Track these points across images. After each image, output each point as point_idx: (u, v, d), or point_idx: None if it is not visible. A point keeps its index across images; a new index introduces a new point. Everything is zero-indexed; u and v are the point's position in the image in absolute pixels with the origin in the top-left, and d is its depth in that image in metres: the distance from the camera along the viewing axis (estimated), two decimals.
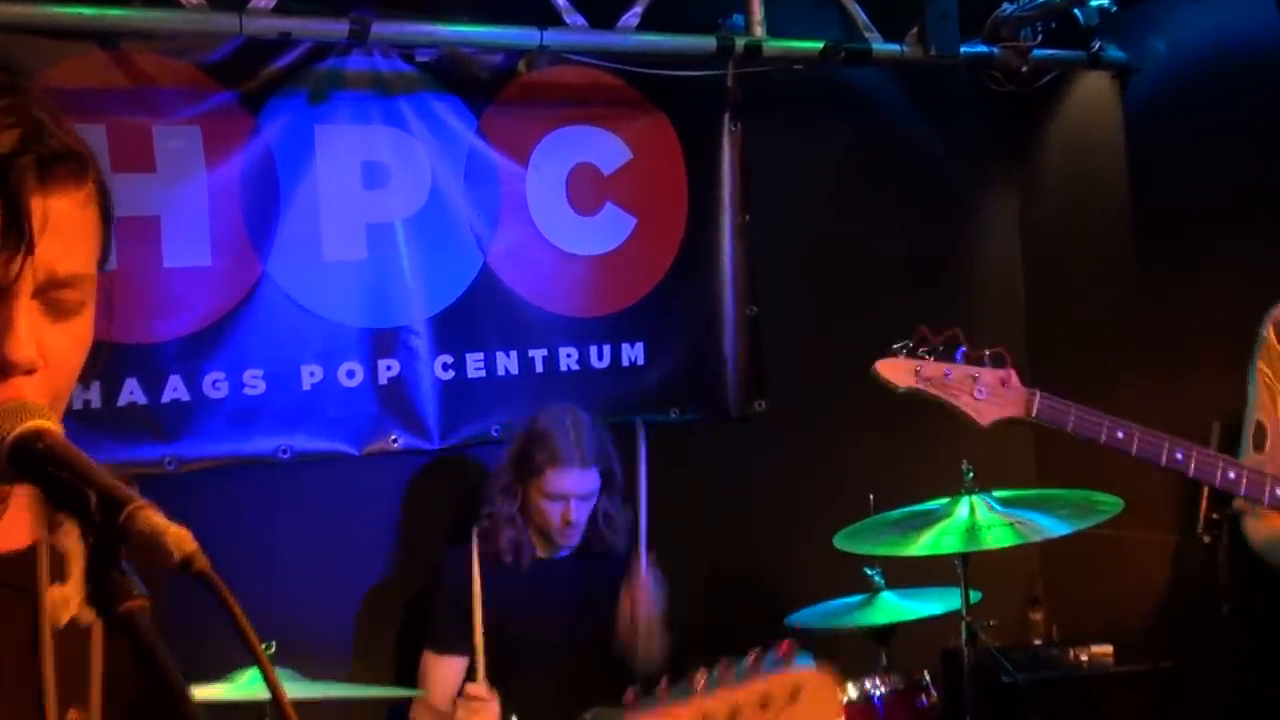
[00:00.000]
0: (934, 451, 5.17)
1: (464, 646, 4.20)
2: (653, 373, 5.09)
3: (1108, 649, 4.92)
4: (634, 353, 5.05)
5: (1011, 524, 4.02)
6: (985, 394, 3.24)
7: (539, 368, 4.92)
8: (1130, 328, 5.31)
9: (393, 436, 4.72)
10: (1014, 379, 3.28)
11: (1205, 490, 4.66)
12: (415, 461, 4.79)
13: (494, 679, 4.15)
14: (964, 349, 3.30)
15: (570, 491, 4.27)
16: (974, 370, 3.26)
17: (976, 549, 4.00)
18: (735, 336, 5.20)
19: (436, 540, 4.66)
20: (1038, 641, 5.27)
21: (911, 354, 3.29)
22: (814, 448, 5.36)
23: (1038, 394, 3.28)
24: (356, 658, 4.67)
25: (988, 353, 3.30)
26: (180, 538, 1.27)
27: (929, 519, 4.16)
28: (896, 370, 3.30)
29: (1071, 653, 4.93)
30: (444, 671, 4.30)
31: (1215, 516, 4.70)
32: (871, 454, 5.35)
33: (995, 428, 3.32)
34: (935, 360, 3.28)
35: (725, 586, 5.07)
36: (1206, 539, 4.72)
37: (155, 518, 1.29)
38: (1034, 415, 3.27)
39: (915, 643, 4.51)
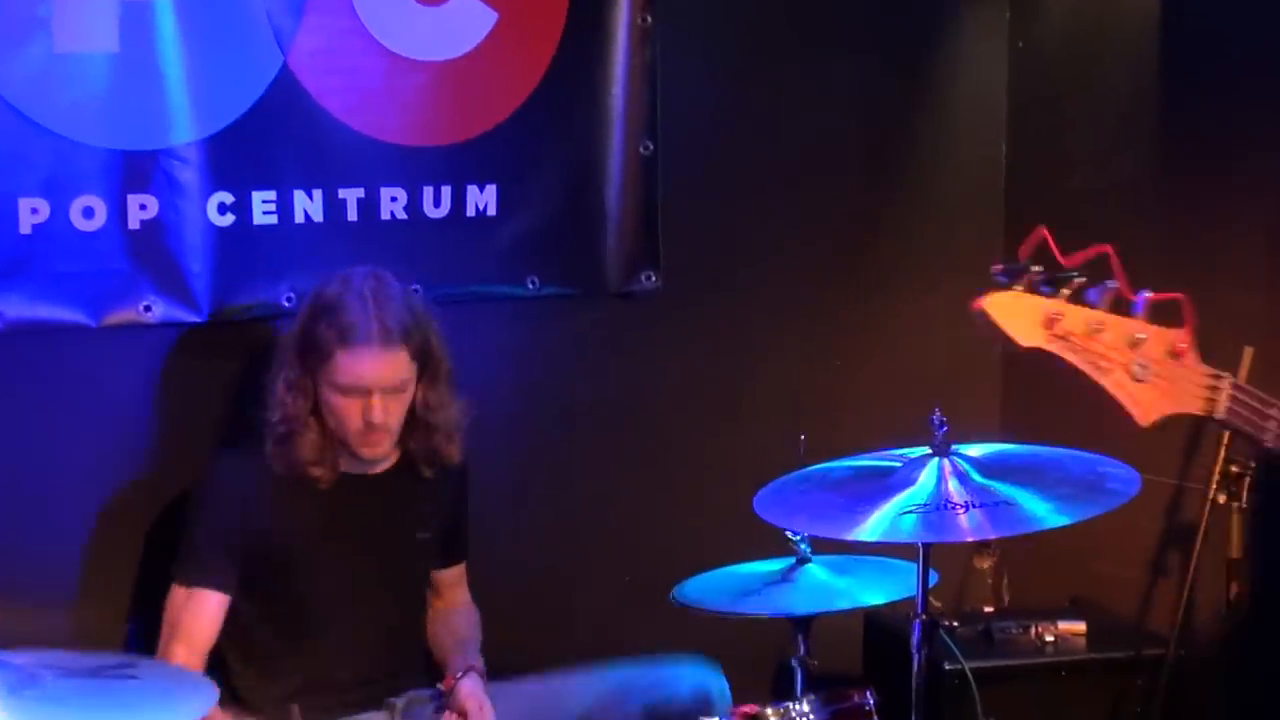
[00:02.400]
0: (889, 372, 4.76)
1: (224, 580, 3.73)
2: (507, 226, 4.37)
3: (1079, 627, 4.31)
4: (483, 198, 4.32)
5: (994, 505, 3.29)
6: (1147, 371, 2.43)
7: (352, 214, 4.20)
8: (1143, 210, 4.56)
9: (145, 303, 4.02)
10: (1190, 348, 2.47)
11: (1225, 434, 4.01)
12: (176, 338, 4.09)
13: (282, 632, 3.77)
14: (1109, 285, 2.43)
15: (368, 381, 3.64)
16: (1134, 326, 2.42)
17: (943, 540, 3.33)
18: (622, 182, 4.47)
19: (200, 444, 4.04)
20: (988, 609, 4.64)
21: (1033, 285, 2.40)
22: (725, 345, 4.67)
23: (1228, 383, 2.48)
24: (86, 590, 4.04)
25: (1146, 295, 2.44)
26: None
27: (882, 484, 3.43)
28: (1019, 314, 2.40)
29: (1034, 630, 4.30)
30: (199, 613, 3.74)
31: (1235, 469, 4.09)
32: (804, 364, 4.70)
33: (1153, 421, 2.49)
34: (1074, 302, 2.41)
35: (588, 535, 4.40)
36: (1221, 498, 4.09)
37: None
38: (1221, 416, 2.48)
39: (844, 621, 3.98)
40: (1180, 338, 2.45)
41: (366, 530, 3.84)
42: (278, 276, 4.15)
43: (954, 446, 3.46)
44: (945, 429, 3.44)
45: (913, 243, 4.78)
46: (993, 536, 3.38)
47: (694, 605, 3.72)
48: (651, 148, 4.49)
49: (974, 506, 3.31)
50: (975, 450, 3.49)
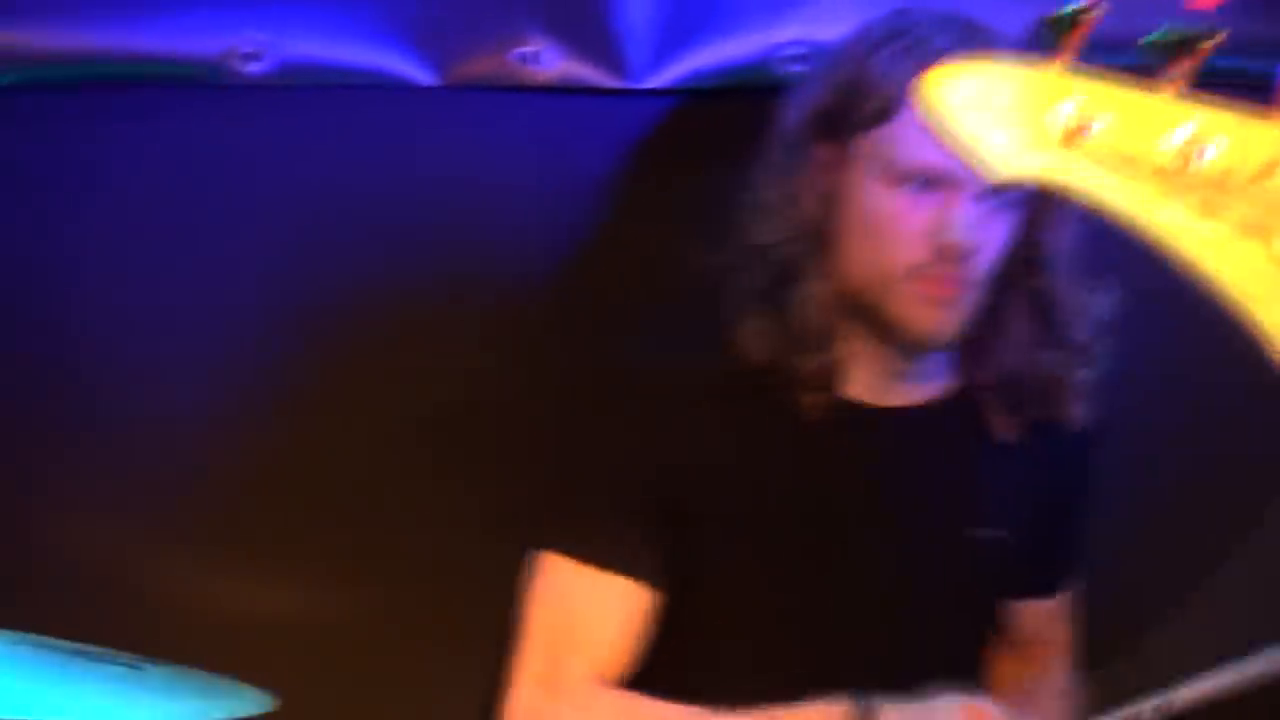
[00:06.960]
0: None
1: (642, 563, 2.77)
2: None
3: None
4: None
5: None
6: None
7: None
8: None
9: (527, 48, 2.98)
10: None
11: None
12: (578, 112, 3.01)
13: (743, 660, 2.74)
14: None
15: (946, 168, 2.55)
16: None
17: None
18: None
19: (609, 320, 2.99)
20: None
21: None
22: None
23: None
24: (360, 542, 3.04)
25: None
26: None
27: None
28: (1005, 104, 1.83)
29: None
30: (602, 604, 2.79)
31: None
32: None
33: None
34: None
35: None
36: None
37: None
38: None
39: None
40: None
41: (881, 512, 2.74)
42: (776, 16, 2.97)
43: None
44: None
45: None
46: None
47: None
48: None
49: None
50: None
